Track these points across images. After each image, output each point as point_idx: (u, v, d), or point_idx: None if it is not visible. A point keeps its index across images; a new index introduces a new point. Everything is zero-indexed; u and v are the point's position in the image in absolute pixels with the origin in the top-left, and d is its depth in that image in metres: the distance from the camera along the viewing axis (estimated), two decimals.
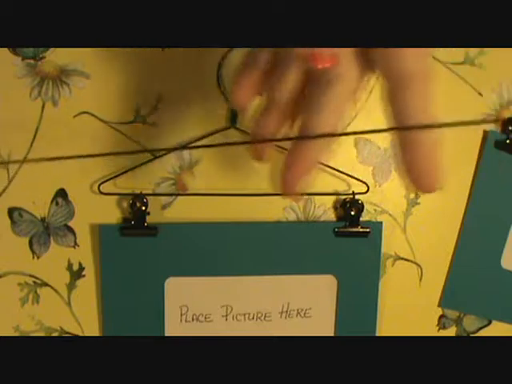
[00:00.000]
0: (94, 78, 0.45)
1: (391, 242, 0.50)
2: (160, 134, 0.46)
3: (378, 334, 0.51)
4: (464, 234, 0.51)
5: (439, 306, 0.52)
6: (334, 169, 0.48)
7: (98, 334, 0.49)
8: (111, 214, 0.47)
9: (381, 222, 0.49)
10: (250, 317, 0.49)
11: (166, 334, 0.48)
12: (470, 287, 0.51)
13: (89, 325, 0.48)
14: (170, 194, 0.47)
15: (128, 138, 0.46)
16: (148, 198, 0.46)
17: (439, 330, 0.53)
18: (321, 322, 0.50)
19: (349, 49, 0.27)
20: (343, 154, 0.49)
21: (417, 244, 0.51)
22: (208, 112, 0.46)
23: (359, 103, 0.48)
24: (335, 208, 0.49)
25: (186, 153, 0.47)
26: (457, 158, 0.50)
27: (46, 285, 0.47)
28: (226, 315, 0.49)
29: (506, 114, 0.50)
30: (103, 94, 0.45)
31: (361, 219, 0.48)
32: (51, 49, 0.44)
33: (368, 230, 0.48)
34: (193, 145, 0.47)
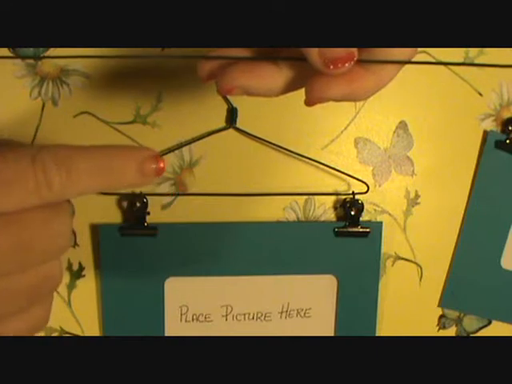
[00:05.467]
0: (94, 78, 0.45)
1: (391, 242, 0.50)
2: (160, 134, 0.46)
3: (378, 334, 0.51)
4: (464, 234, 0.51)
5: (439, 305, 0.52)
6: (334, 169, 0.48)
7: (98, 334, 0.49)
8: (111, 214, 0.47)
9: (381, 222, 0.49)
10: (250, 317, 0.49)
11: (166, 334, 0.48)
12: (470, 287, 0.51)
13: (89, 325, 0.48)
14: (170, 194, 0.47)
15: (128, 138, 0.46)
16: (148, 197, 0.46)
17: (439, 330, 0.53)
18: (321, 322, 0.50)
19: None
20: (343, 153, 0.49)
21: (417, 244, 0.51)
22: (208, 112, 0.46)
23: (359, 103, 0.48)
24: (335, 208, 0.49)
25: (186, 153, 0.47)
26: (457, 157, 0.50)
27: None
28: (226, 315, 0.49)
29: (506, 114, 0.50)
30: (103, 94, 0.45)
31: (361, 219, 0.48)
32: (51, 49, 0.44)
33: (368, 230, 0.48)
34: (193, 144, 0.47)
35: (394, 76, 0.29)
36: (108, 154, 0.25)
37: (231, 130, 0.47)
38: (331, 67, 0.26)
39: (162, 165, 0.26)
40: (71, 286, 0.48)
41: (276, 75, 0.29)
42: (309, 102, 0.28)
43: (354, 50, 0.27)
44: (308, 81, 0.28)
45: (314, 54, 0.26)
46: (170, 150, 0.47)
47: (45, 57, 0.44)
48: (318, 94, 0.27)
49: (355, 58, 0.27)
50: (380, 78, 0.28)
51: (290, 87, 0.29)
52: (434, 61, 0.48)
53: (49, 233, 0.25)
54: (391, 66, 0.28)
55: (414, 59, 0.29)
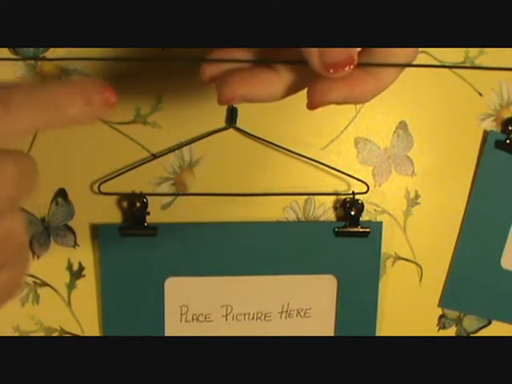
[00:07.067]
0: (94, 77, 0.45)
1: (391, 242, 0.50)
2: (160, 134, 0.46)
3: (378, 334, 0.51)
4: (464, 234, 0.51)
5: (439, 305, 0.52)
6: (334, 169, 0.48)
7: (98, 334, 0.49)
8: (111, 214, 0.47)
9: (381, 222, 0.49)
10: (250, 317, 0.49)
11: (166, 334, 0.48)
12: (470, 287, 0.51)
13: (89, 325, 0.48)
14: (170, 194, 0.47)
15: (128, 137, 0.46)
16: (148, 197, 0.46)
17: (439, 330, 0.53)
18: (321, 322, 0.50)
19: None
20: (343, 153, 0.49)
21: (417, 244, 0.51)
22: (208, 112, 0.46)
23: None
24: (335, 208, 0.49)
25: (186, 153, 0.47)
26: (457, 157, 0.50)
27: (46, 285, 0.47)
28: (226, 315, 0.49)
29: (506, 114, 0.50)
30: None
31: (361, 219, 0.48)
32: (51, 49, 0.44)
33: (368, 230, 0.48)
34: (193, 144, 0.47)
35: (394, 79, 0.29)
36: (51, 88, 0.24)
37: (231, 130, 0.47)
38: (331, 71, 0.26)
39: (108, 94, 0.25)
40: (71, 286, 0.48)
41: (275, 81, 0.29)
42: (311, 106, 0.28)
43: (354, 53, 0.27)
44: (309, 85, 0.28)
45: (314, 57, 0.26)
46: (170, 150, 0.47)
47: (45, 58, 0.44)
48: (319, 97, 0.28)
49: (355, 62, 0.27)
50: (381, 81, 0.28)
51: (290, 91, 0.30)
52: (434, 61, 0.48)
53: None
54: (392, 69, 0.28)
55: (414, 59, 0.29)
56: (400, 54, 0.28)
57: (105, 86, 0.25)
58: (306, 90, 0.29)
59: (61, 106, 0.24)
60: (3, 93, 0.23)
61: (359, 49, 0.28)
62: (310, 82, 0.28)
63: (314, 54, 0.26)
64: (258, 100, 0.29)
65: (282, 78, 0.29)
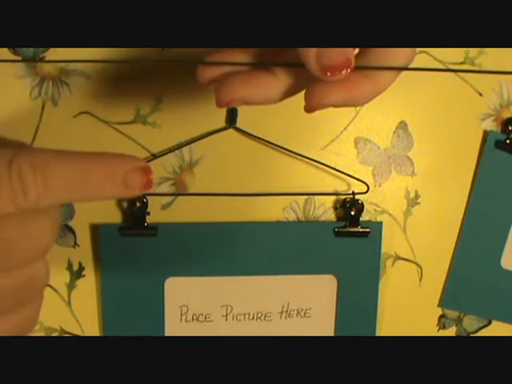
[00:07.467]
0: (94, 77, 0.45)
1: (391, 242, 0.50)
2: (160, 134, 0.46)
3: (378, 334, 0.51)
4: (464, 234, 0.51)
5: (439, 305, 0.52)
6: (334, 169, 0.48)
7: (98, 334, 0.48)
8: (111, 214, 0.47)
9: (381, 222, 0.49)
10: (250, 317, 0.49)
11: (166, 334, 0.48)
12: (470, 287, 0.51)
13: (89, 325, 0.48)
14: (170, 194, 0.47)
15: (128, 137, 0.46)
16: (148, 197, 0.46)
17: (439, 330, 0.53)
18: (321, 322, 0.50)
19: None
20: (343, 154, 0.49)
21: (417, 244, 0.51)
22: (208, 112, 0.46)
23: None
24: (335, 208, 0.49)
25: (186, 153, 0.47)
26: (457, 157, 0.50)
27: (46, 285, 0.47)
28: (226, 315, 0.49)
29: (506, 114, 0.50)
30: (103, 94, 0.45)
31: (361, 219, 0.48)
32: (51, 49, 0.44)
33: (368, 230, 0.48)
34: (193, 144, 0.47)
35: (392, 81, 0.29)
36: (88, 162, 0.24)
37: (231, 130, 0.47)
38: (328, 74, 0.27)
39: (150, 177, 0.25)
40: (71, 286, 0.48)
41: (273, 84, 0.29)
42: (308, 109, 0.28)
43: (351, 56, 0.27)
44: (307, 88, 0.28)
45: (311, 60, 0.26)
46: (170, 150, 0.47)
47: (45, 59, 0.44)
48: (317, 100, 0.28)
49: (352, 65, 0.27)
50: (378, 84, 0.28)
51: (288, 94, 0.30)
52: (434, 61, 0.48)
53: (27, 234, 0.24)
54: (389, 72, 0.28)
55: (414, 59, 0.29)
56: (398, 55, 0.28)
57: (146, 168, 0.25)
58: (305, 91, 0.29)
59: (94, 183, 0.24)
60: (41, 162, 0.23)
61: (356, 51, 0.28)
62: (307, 85, 0.28)
63: (311, 57, 0.26)
64: (256, 103, 0.29)
65: (279, 80, 0.29)
